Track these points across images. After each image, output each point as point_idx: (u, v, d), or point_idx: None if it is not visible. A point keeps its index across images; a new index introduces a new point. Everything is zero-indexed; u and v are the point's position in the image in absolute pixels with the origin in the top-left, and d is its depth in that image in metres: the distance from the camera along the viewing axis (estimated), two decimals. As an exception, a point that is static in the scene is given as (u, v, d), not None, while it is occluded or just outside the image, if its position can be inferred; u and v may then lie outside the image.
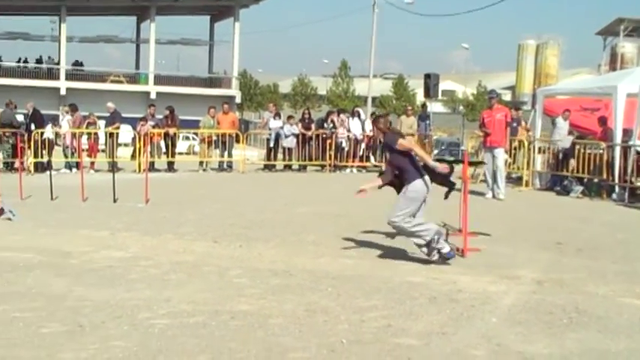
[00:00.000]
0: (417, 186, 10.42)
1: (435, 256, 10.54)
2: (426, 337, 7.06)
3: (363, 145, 27.62)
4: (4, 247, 11.37)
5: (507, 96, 62.95)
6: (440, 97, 50.40)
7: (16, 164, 22.81)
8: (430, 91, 30.50)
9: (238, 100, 57.56)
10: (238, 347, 6.68)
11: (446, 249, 10.53)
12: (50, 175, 18.67)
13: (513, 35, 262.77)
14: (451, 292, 8.84)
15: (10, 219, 13.98)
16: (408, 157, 10.56)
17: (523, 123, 24.67)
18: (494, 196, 18.94)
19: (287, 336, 7.05)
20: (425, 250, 10.59)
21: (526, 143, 22.68)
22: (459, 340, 6.97)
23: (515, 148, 23.28)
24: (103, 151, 26.97)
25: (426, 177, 10.55)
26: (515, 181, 23.31)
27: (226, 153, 26.75)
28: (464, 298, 8.52)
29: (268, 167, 27.06)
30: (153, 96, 53.53)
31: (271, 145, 27.18)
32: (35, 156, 24.84)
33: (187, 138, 36.17)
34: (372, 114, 30.94)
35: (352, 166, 26.88)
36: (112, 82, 59.22)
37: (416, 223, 10.40)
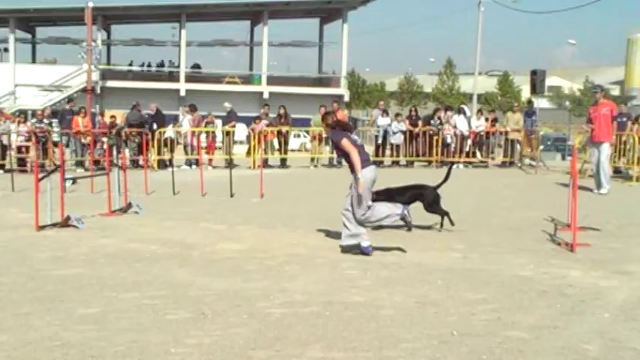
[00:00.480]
0: (366, 175, 10.73)
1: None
2: (537, 330, 6.89)
3: (469, 142, 27.37)
4: (133, 239, 11.67)
5: (615, 91, 61.42)
6: (546, 92, 49.44)
7: (141, 161, 23.36)
8: (536, 87, 29.87)
9: (347, 98, 57.63)
10: (351, 337, 6.65)
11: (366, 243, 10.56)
12: (172, 171, 19.04)
13: (621, 29, 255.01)
14: (561, 286, 8.61)
15: (137, 212, 14.32)
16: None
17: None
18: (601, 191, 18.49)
19: (398, 327, 6.97)
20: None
21: (636, 137, 21.99)
22: (570, 335, 6.78)
23: (624, 143, 22.69)
24: (220, 148, 27.38)
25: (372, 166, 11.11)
26: (625, 175, 22.70)
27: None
28: (574, 293, 8.29)
29: (376, 163, 26.90)
30: (266, 96, 54.01)
31: (379, 141, 27.19)
32: (158, 154, 25.41)
33: (299, 135, 36.40)
34: (478, 111, 30.62)
35: (459, 162, 26.62)
36: (228, 83, 59.78)
37: (369, 215, 10.76)
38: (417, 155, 26.65)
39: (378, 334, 6.75)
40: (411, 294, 8.21)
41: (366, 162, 10.84)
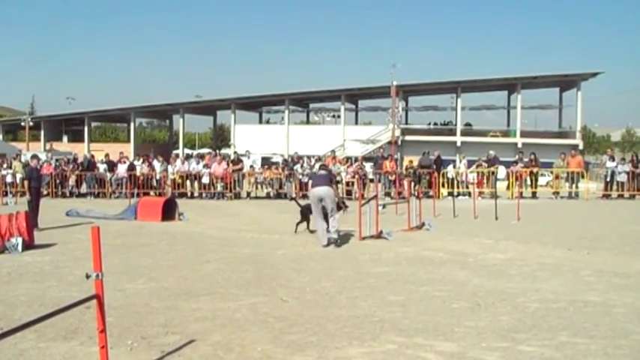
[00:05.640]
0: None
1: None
2: None
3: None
4: (426, 248, 11.73)
5: None
6: None
7: (431, 192, 23.56)
8: None
9: (581, 147, 54.56)
10: (591, 327, 6.30)
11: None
12: (453, 199, 19.03)
13: None
14: None
15: (428, 229, 14.36)
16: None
17: None
18: None
19: (628, 322, 6.48)
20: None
21: None
22: None
23: None
24: (485, 184, 26.87)
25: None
26: None
27: (574, 185, 25.45)
28: None
29: (606, 196, 25.23)
30: (520, 145, 52.27)
31: (608, 179, 25.42)
32: (442, 187, 25.46)
33: (544, 175, 34.81)
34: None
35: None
36: (492, 136, 59.07)
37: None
38: (639, 190, 24.56)
39: (612, 326, 6.34)
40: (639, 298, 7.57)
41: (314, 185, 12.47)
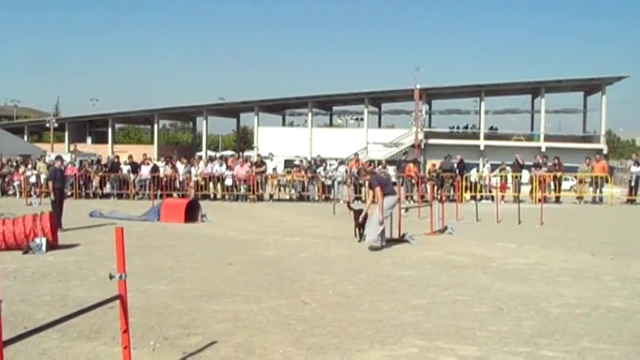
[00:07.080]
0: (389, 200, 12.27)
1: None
2: None
3: None
4: (448, 252, 11.71)
5: None
6: None
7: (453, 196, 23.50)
8: None
9: (605, 151, 53.93)
10: (614, 333, 6.23)
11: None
12: (476, 203, 18.90)
13: None
14: None
15: (450, 233, 14.32)
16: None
17: None
18: None
19: (650, 329, 6.41)
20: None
21: None
22: None
23: None
24: (508, 188, 26.67)
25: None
26: None
27: (598, 190, 25.17)
28: None
29: (630, 201, 24.91)
30: (543, 149, 51.91)
31: (632, 184, 25.10)
32: (465, 191, 25.32)
33: (567, 179, 34.45)
34: None
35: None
36: (515, 140, 58.68)
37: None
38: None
39: (636, 333, 6.27)
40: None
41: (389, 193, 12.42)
